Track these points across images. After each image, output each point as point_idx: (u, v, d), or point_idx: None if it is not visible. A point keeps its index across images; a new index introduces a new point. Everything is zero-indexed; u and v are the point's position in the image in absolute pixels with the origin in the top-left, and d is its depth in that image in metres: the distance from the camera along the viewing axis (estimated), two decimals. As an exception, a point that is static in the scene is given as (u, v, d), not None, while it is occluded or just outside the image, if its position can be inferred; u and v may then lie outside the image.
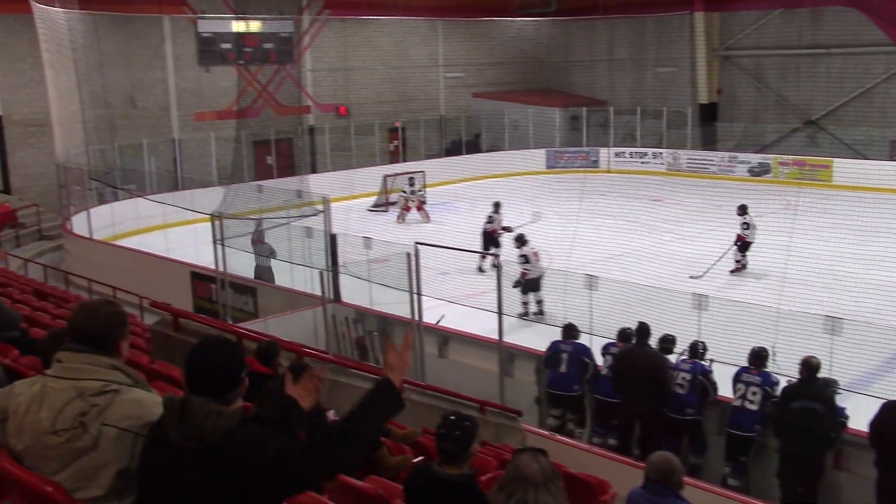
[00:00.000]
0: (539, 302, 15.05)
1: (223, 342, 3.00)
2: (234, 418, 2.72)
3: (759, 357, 9.11)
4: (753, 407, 8.85)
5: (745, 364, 9.17)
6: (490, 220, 18.84)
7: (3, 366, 4.69)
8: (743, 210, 17.65)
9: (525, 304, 15.11)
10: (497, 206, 19.03)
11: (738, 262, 17.57)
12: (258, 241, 16.49)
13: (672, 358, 9.74)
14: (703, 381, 9.29)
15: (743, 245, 17.53)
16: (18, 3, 22.27)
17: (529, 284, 14.96)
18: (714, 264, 17.04)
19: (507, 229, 17.69)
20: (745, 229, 17.46)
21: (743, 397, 8.92)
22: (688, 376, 9.35)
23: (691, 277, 16.43)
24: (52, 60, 22.19)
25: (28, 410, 2.89)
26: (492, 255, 16.40)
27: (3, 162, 24.81)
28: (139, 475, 2.79)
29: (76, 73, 21.76)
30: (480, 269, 17.64)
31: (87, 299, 3.90)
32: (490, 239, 18.43)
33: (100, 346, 2.99)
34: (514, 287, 14.48)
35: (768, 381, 8.92)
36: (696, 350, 9.56)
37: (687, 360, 9.52)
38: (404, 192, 25.62)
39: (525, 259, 14.90)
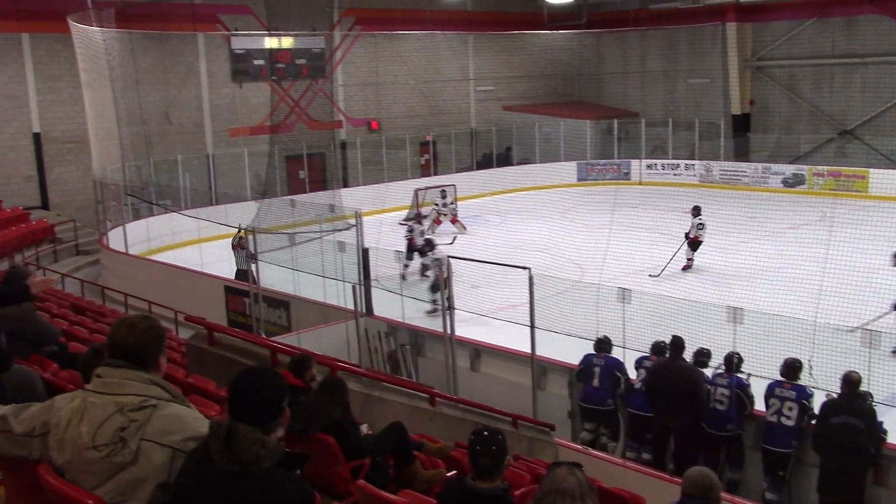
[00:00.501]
0: (448, 298, 15.69)
1: (266, 372, 3.06)
2: (277, 451, 2.77)
3: (792, 369, 8.97)
4: (790, 423, 8.72)
5: (779, 377, 9.05)
6: (410, 230, 19.66)
7: (42, 379, 4.77)
8: (697, 211, 18.87)
9: (435, 301, 15.84)
10: (418, 216, 20.26)
11: (689, 259, 18.76)
12: (239, 245, 17.78)
13: (707, 372, 9.64)
14: (739, 394, 9.17)
15: (694, 244, 18.73)
16: (57, 22, 22.72)
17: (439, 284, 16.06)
18: (669, 262, 18.27)
19: (430, 242, 18.30)
20: (699, 229, 18.68)
21: (778, 412, 8.78)
22: (726, 391, 9.20)
23: (650, 276, 17.62)
24: (90, 78, 22.59)
25: (69, 425, 2.93)
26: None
27: (41, 178, 25.23)
28: (175, 489, 2.83)
29: (112, 91, 22.12)
30: (403, 277, 18.00)
31: (125, 315, 3.95)
32: (411, 248, 19.05)
33: (138, 362, 3.03)
34: (430, 289, 15.98)
35: (803, 395, 8.79)
36: (732, 362, 9.43)
37: (724, 375, 9.36)
38: (436, 204, 25.76)
39: (439, 262, 15.57)
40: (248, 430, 2.73)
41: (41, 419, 3.05)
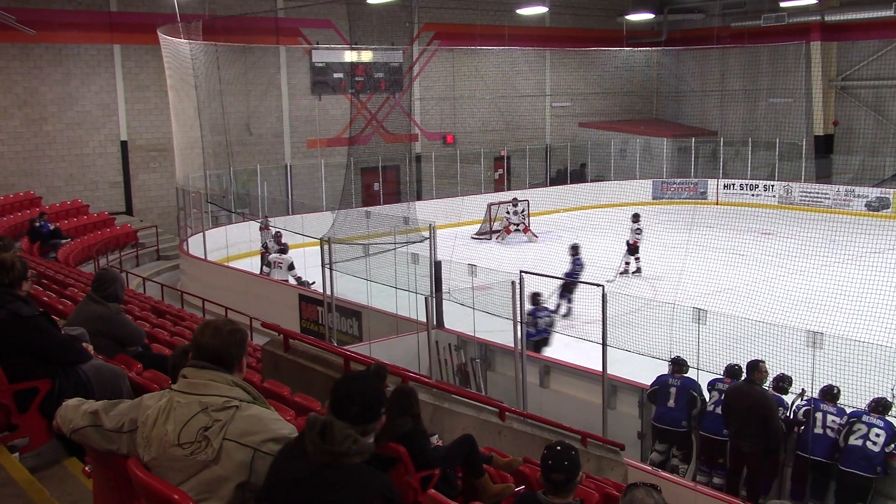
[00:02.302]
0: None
1: (371, 379, 3.23)
2: (367, 449, 2.91)
3: (882, 406, 8.79)
4: (875, 448, 8.51)
5: (863, 408, 8.83)
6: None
7: (129, 378, 4.94)
8: (636, 218, 20.47)
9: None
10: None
11: (627, 263, 20.24)
12: (265, 227, 20.82)
13: (787, 398, 9.43)
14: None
15: (633, 249, 20.21)
16: (147, 34, 23.54)
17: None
18: (619, 269, 19.75)
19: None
20: (637, 234, 20.22)
21: (864, 437, 8.56)
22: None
23: (607, 282, 17.95)
24: (176, 88, 23.27)
25: (155, 423, 3.04)
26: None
27: (126, 184, 26.04)
28: (268, 480, 2.94)
29: (197, 101, 22.74)
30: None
31: (210, 319, 4.09)
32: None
33: (223, 363, 3.14)
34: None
35: (892, 429, 8.63)
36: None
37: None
38: (507, 212, 25.98)
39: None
40: (343, 425, 2.88)
41: (130, 416, 3.17)
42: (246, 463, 2.95)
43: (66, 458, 4.33)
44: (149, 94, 25.93)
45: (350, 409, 2.94)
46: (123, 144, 25.80)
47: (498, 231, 26.38)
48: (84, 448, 3.46)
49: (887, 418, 8.73)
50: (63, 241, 19.17)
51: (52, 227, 19.24)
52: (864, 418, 8.71)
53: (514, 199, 26.59)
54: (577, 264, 17.62)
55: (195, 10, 24.58)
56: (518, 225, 25.90)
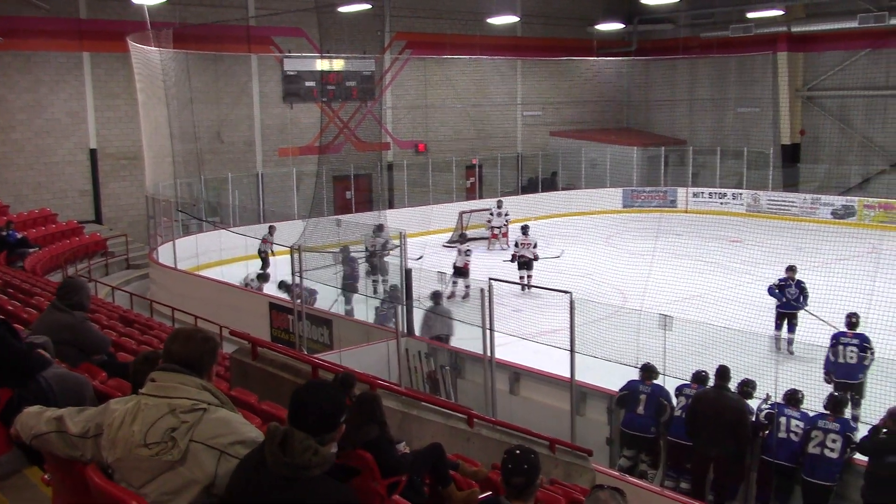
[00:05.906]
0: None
1: (329, 388, 3.22)
2: (328, 460, 2.92)
3: (837, 404, 8.87)
4: (833, 455, 8.60)
5: (821, 411, 8.94)
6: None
7: (93, 387, 4.93)
8: (464, 238, 21.57)
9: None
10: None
11: (454, 284, 19.53)
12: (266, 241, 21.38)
13: (752, 403, 9.55)
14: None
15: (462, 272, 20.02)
16: (116, 42, 23.38)
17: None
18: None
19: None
20: (466, 255, 20.16)
21: (822, 444, 8.66)
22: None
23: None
24: (146, 97, 23.15)
25: (122, 424, 3.06)
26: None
27: (95, 193, 25.81)
28: (228, 489, 2.96)
29: (167, 109, 22.62)
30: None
31: (182, 327, 4.12)
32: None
33: (193, 369, 3.18)
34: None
35: (847, 428, 8.71)
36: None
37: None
38: (491, 214, 26.07)
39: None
40: (302, 436, 2.88)
41: (96, 421, 3.19)
42: (212, 465, 2.98)
43: (27, 467, 4.30)
44: (119, 102, 25.75)
45: (307, 418, 2.95)
46: (93, 153, 25.58)
47: (484, 239, 26.48)
48: (43, 456, 3.47)
49: (844, 417, 8.83)
50: (31, 249, 18.97)
51: (19, 236, 19.04)
52: (820, 423, 8.80)
53: (499, 201, 27.01)
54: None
55: (166, 17, 24.48)
56: (500, 228, 26.04)
